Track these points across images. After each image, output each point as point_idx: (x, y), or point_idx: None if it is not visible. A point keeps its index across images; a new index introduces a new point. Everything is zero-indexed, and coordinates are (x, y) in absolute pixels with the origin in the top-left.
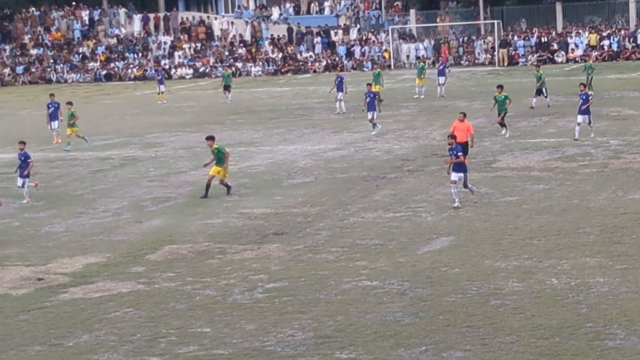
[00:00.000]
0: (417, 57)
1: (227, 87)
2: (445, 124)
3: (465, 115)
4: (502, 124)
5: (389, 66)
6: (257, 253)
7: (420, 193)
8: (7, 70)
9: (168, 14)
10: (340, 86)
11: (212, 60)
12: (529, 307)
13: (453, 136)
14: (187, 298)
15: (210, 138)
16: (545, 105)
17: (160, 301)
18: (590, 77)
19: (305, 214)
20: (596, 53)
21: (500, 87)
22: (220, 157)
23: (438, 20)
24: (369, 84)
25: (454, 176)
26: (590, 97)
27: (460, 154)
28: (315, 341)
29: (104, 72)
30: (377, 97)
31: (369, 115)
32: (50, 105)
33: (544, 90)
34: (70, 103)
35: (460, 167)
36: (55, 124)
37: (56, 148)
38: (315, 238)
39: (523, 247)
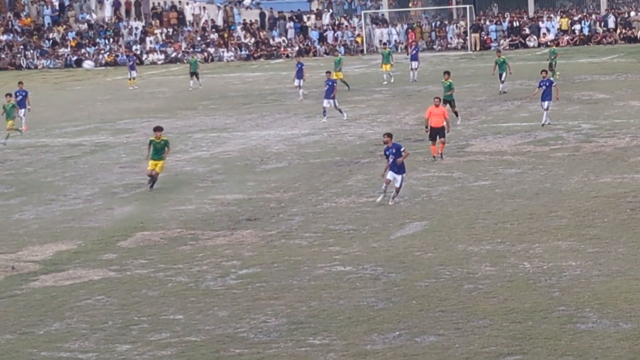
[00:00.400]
0: (383, 44)
1: (194, 74)
2: (418, 109)
3: (440, 100)
4: (455, 113)
5: (362, 51)
6: (230, 239)
7: None
8: None
9: None
10: (299, 73)
11: (184, 45)
12: (501, 291)
13: (389, 134)
14: (159, 285)
15: (160, 129)
16: (517, 90)
17: (132, 288)
18: (553, 63)
19: (278, 199)
20: (567, 37)
21: (447, 73)
22: (162, 150)
23: (410, 5)
24: (329, 72)
25: (390, 175)
26: (554, 84)
27: (399, 152)
28: (289, 327)
29: (75, 57)
30: (336, 84)
31: (325, 103)
32: (18, 94)
33: (503, 75)
34: (9, 95)
35: (399, 167)
36: (22, 111)
37: (25, 135)
38: (289, 224)
39: (496, 231)
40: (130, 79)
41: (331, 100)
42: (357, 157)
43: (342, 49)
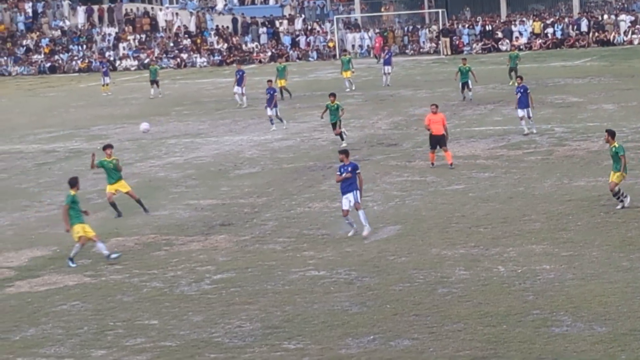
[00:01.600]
0: (344, 50)
1: (154, 82)
2: (391, 113)
3: (437, 106)
4: (340, 135)
5: (334, 56)
6: (204, 244)
7: (366, 182)
8: None
9: (112, 5)
10: (240, 80)
11: (157, 51)
12: (475, 295)
13: (345, 152)
14: (134, 290)
15: (110, 147)
16: (490, 94)
17: (107, 294)
18: (514, 67)
19: (252, 204)
20: (540, 41)
21: (333, 95)
22: (115, 169)
23: (382, 9)
24: (270, 80)
25: (345, 201)
26: (519, 90)
27: (354, 172)
28: (263, 332)
29: (48, 64)
30: (276, 93)
31: (268, 112)
32: None
33: (469, 83)
34: None
35: (350, 186)
36: None
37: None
38: (262, 228)
39: (469, 235)
40: (103, 85)
41: (274, 109)
42: (330, 161)
43: (314, 54)
